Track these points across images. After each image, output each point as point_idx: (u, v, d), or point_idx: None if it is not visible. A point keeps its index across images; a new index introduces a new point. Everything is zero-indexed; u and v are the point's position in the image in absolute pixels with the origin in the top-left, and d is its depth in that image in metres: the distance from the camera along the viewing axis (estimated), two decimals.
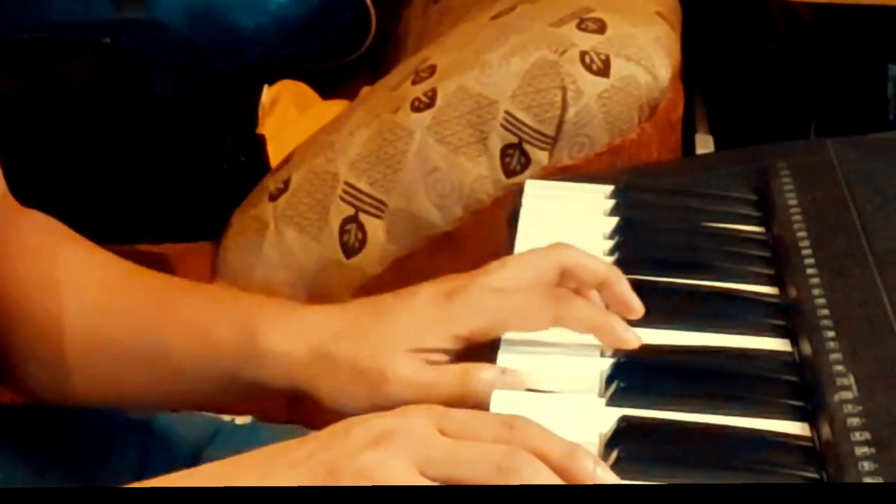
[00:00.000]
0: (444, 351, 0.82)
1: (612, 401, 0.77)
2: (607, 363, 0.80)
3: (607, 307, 0.83)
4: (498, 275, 0.84)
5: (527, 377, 0.79)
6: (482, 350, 0.84)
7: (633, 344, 0.80)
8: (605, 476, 0.67)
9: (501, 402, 0.77)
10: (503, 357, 0.81)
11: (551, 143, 1.31)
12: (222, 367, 0.87)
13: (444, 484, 0.66)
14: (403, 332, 0.82)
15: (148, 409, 1.00)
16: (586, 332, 0.81)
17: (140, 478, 0.96)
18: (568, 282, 0.84)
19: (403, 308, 0.83)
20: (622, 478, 0.70)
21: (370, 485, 0.64)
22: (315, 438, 0.68)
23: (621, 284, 0.84)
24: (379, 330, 0.83)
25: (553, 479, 0.65)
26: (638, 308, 0.83)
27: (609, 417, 0.74)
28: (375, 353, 0.82)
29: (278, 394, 0.87)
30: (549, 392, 0.78)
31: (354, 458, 0.65)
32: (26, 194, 0.96)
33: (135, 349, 0.89)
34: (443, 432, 0.67)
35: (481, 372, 0.80)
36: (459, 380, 0.80)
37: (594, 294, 0.84)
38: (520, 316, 0.81)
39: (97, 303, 0.91)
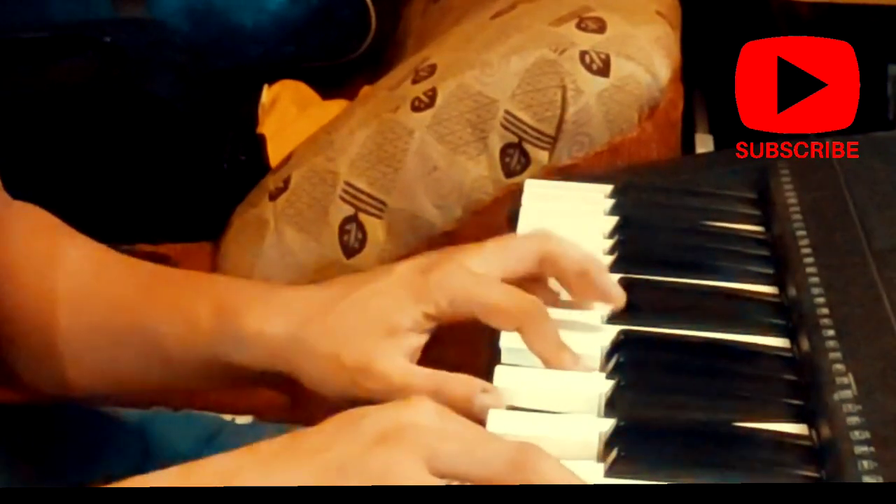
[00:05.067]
0: (417, 330, 0.82)
1: (612, 399, 0.77)
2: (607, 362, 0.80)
3: (588, 296, 0.84)
4: (476, 256, 0.83)
5: (509, 395, 0.78)
6: (480, 352, 0.84)
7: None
8: None
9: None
10: (501, 369, 0.80)
11: (551, 142, 1.31)
12: (204, 350, 0.86)
13: (452, 478, 0.65)
14: (376, 314, 0.82)
15: (143, 398, 1.00)
16: (536, 354, 0.80)
17: None
18: (547, 270, 0.84)
19: (377, 288, 0.83)
20: (621, 477, 0.70)
21: (380, 482, 0.63)
22: (321, 432, 0.67)
23: (602, 275, 0.84)
24: (354, 314, 0.82)
25: (567, 475, 0.65)
26: (619, 298, 0.84)
27: (609, 417, 0.74)
28: (356, 345, 0.82)
29: (261, 376, 0.86)
30: (549, 390, 0.78)
31: (363, 456, 0.64)
32: (26, 194, 0.96)
33: (121, 335, 0.89)
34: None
35: (458, 388, 0.79)
36: (436, 389, 0.79)
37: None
38: (487, 310, 0.81)
39: (84, 290, 0.91)
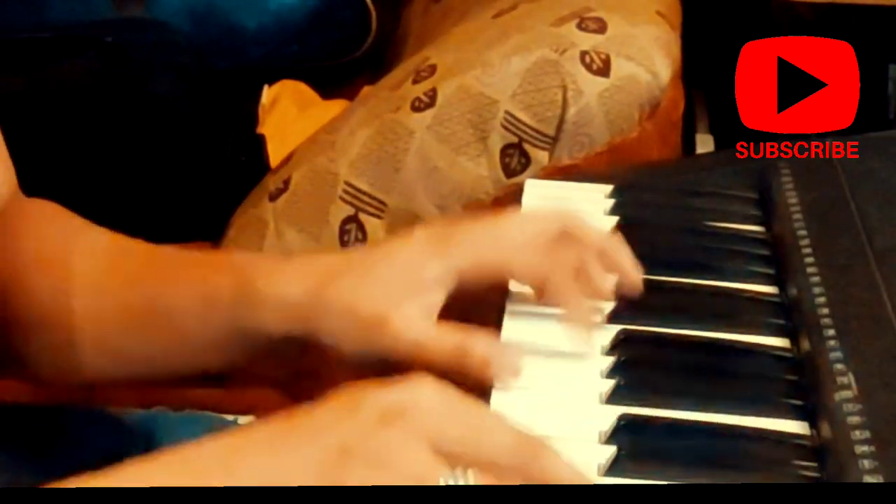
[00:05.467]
0: (439, 285, 0.82)
1: (612, 399, 0.77)
2: (607, 361, 0.80)
3: (608, 272, 0.84)
4: (499, 223, 0.84)
5: (523, 358, 0.79)
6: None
7: (587, 342, 0.81)
8: None
9: (501, 400, 0.77)
10: None
11: (551, 142, 1.31)
12: (223, 321, 0.86)
13: (456, 461, 0.64)
14: (400, 270, 0.82)
15: (157, 380, 0.99)
16: (560, 303, 0.81)
17: None
18: (567, 245, 0.84)
19: (400, 245, 0.84)
20: (621, 476, 0.70)
21: (384, 465, 0.63)
22: (322, 412, 0.66)
23: (620, 252, 0.85)
24: (376, 270, 0.83)
25: (568, 469, 0.65)
26: (636, 278, 0.84)
27: (609, 416, 0.74)
28: (375, 299, 0.82)
29: (282, 343, 0.86)
30: (549, 390, 0.79)
31: (367, 437, 0.64)
32: (28, 194, 0.96)
33: (138, 316, 0.89)
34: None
35: (479, 345, 0.79)
36: (456, 345, 0.80)
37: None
38: (511, 264, 0.82)
39: (102, 273, 0.91)
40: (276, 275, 0.85)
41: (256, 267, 0.87)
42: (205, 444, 0.67)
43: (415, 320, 0.81)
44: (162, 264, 0.91)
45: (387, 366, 0.80)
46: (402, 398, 0.65)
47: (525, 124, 1.31)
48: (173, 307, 0.88)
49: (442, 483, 0.63)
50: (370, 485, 0.63)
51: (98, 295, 0.90)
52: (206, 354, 0.89)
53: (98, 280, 0.90)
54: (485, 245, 0.82)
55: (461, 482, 0.63)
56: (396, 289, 0.81)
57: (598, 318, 0.82)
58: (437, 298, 0.82)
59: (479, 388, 0.77)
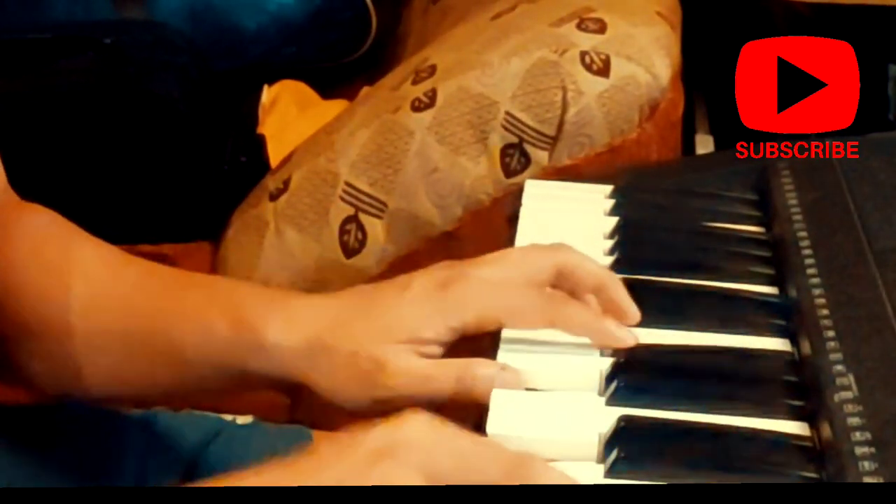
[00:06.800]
0: (438, 342, 0.82)
1: (612, 400, 0.77)
2: (607, 362, 0.80)
3: (603, 311, 0.83)
4: (494, 268, 0.84)
5: (526, 376, 0.79)
6: (481, 345, 0.84)
7: (629, 342, 0.81)
8: None
9: (500, 401, 0.77)
10: (502, 355, 0.81)
11: (551, 143, 1.31)
12: (220, 358, 0.86)
13: None
14: (398, 323, 0.82)
15: (154, 401, 1.00)
16: (581, 335, 0.81)
17: (141, 478, 0.97)
18: (564, 283, 0.84)
19: (398, 298, 0.83)
20: (621, 478, 0.70)
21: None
22: (317, 455, 0.68)
23: (618, 289, 0.84)
24: (374, 321, 0.83)
25: (564, 481, 0.65)
26: (634, 314, 0.84)
27: (609, 417, 0.74)
28: (373, 344, 0.82)
29: (280, 385, 0.86)
30: (549, 391, 0.79)
31: (362, 475, 0.65)
32: (27, 195, 0.96)
33: (135, 339, 0.89)
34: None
35: (480, 369, 0.80)
36: (458, 375, 0.80)
37: (590, 298, 0.84)
38: (514, 314, 0.81)
39: (99, 293, 0.91)
40: (276, 320, 0.85)
41: (255, 307, 0.86)
42: (204, 488, 0.68)
43: (412, 362, 0.81)
44: (160, 289, 0.91)
45: (382, 413, 0.80)
46: (394, 434, 0.66)
47: (525, 125, 1.31)
48: (170, 337, 0.88)
49: None
50: None
51: (94, 314, 0.90)
52: (201, 381, 0.89)
53: (94, 301, 0.90)
54: (486, 302, 0.82)
55: None
56: (395, 340, 0.82)
57: (625, 334, 0.82)
58: (433, 351, 0.82)
59: (475, 421, 0.77)
